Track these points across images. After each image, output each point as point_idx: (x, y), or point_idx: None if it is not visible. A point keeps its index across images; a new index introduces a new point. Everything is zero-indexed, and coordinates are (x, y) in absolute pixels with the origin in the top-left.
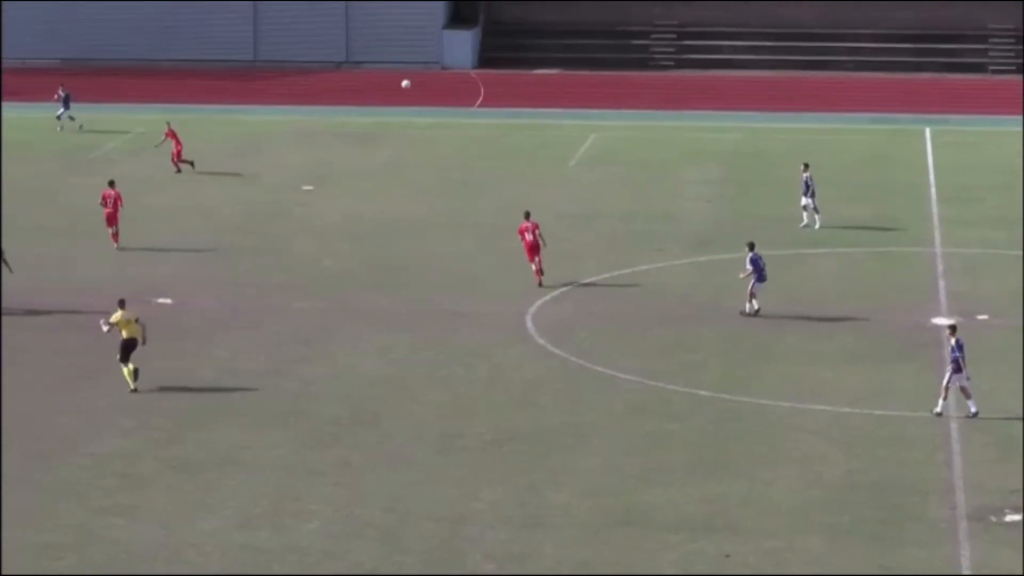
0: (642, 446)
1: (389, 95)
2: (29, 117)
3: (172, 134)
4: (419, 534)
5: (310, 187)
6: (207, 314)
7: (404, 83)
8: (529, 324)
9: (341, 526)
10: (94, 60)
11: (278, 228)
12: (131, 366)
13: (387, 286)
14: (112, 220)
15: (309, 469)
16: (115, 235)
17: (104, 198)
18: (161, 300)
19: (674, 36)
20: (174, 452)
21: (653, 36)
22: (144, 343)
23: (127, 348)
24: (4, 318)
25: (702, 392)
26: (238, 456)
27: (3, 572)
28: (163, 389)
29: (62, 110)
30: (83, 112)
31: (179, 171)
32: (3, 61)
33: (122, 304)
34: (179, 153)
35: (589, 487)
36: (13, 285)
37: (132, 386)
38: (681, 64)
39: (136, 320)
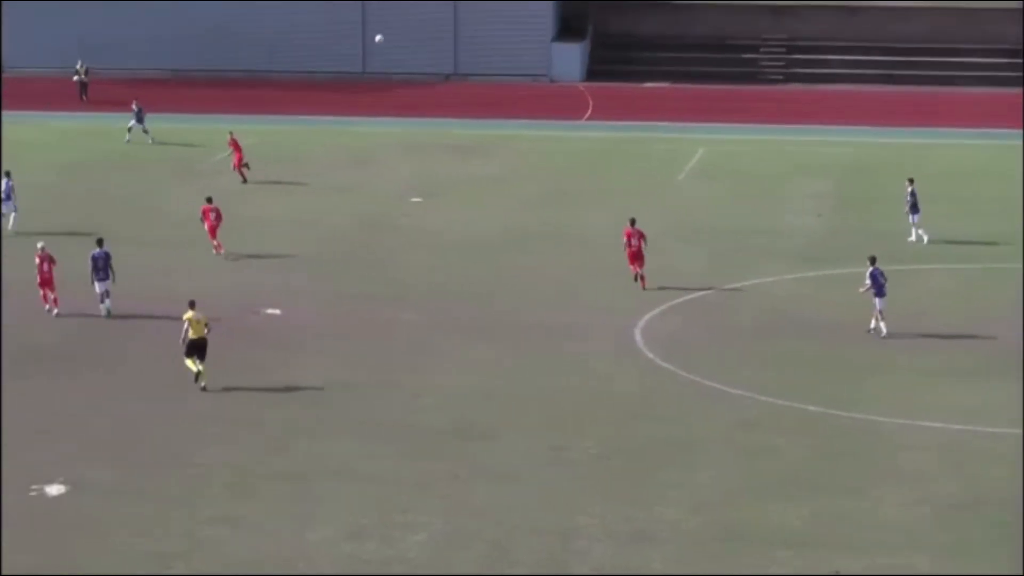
0: (751, 461)
1: (497, 108)
2: (137, 128)
3: (235, 143)
4: (526, 547)
5: (418, 199)
6: (315, 325)
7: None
8: (638, 337)
9: (449, 538)
10: (203, 72)
11: (386, 240)
12: (199, 366)
13: (494, 298)
14: (213, 233)
15: (416, 481)
16: (218, 245)
17: (204, 213)
18: (270, 311)
19: (783, 50)
20: (282, 462)
21: (762, 50)
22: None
23: (193, 346)
24: (108, 328)
25: (811, 407)
26: (345, 467)
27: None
28: (271, 400)
29: (133, 123)
30: (191, 124)
31: (245, 181)
32: (88, 72)
33: (192, 305)
34: (239, 161)
35: (697, 502)
36: (119, 294)
37: (202, 384)
38: (790, 78)
39: (205, 322)
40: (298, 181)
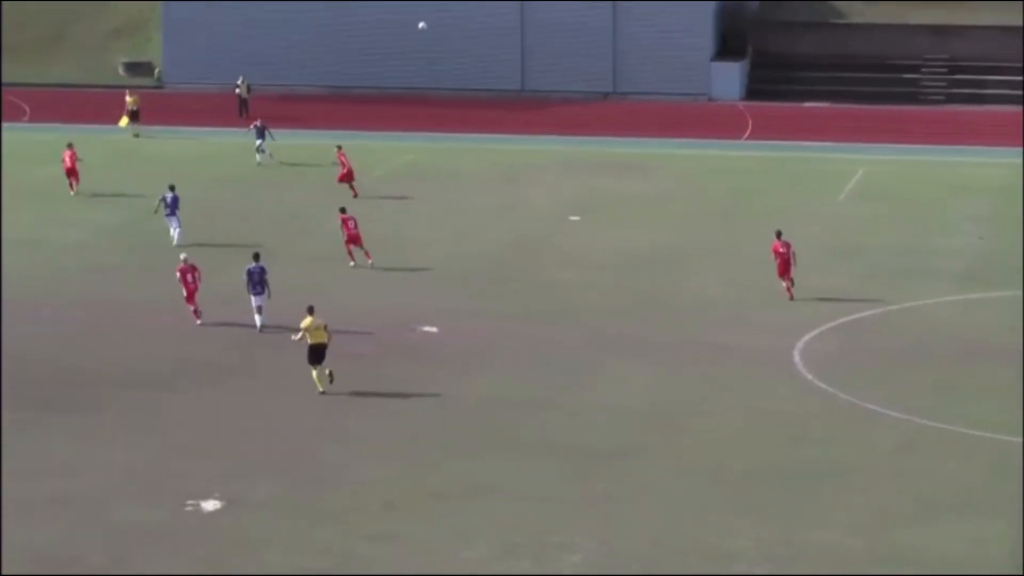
0: (911, 485)
1: (655, 126)
2: (298, 145)
3: (342, 157)
4: (684, 569)
5: (576, 217)
6: (472, 343)
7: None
8: (796, 358)
9: (605, 559)
10: (362, 88)
11: (544, 258)
12: (327, 370)
13: (651, 318)
14: (356, 241)
15: (572, 501)
16: (367, 252)
17: (344, 223)
18: (426, 328)
19: (945, 70)
20: (437, 481)
21: (923, 70)
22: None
23: (315, 352)
24: (263, 342)
25: (973, 432)
26: (501, 486)
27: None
28: (427, 418)
29: (259, 141)
30: (348, 140)
31: (355, 195)
32: (249, 88)
33: (311, 310)
34: (345, 175)
35: (857, 525)
36: (276, 311)
37: (320, 388)
38: (951, 99)
39: (325, 327)
40: (456, 199)
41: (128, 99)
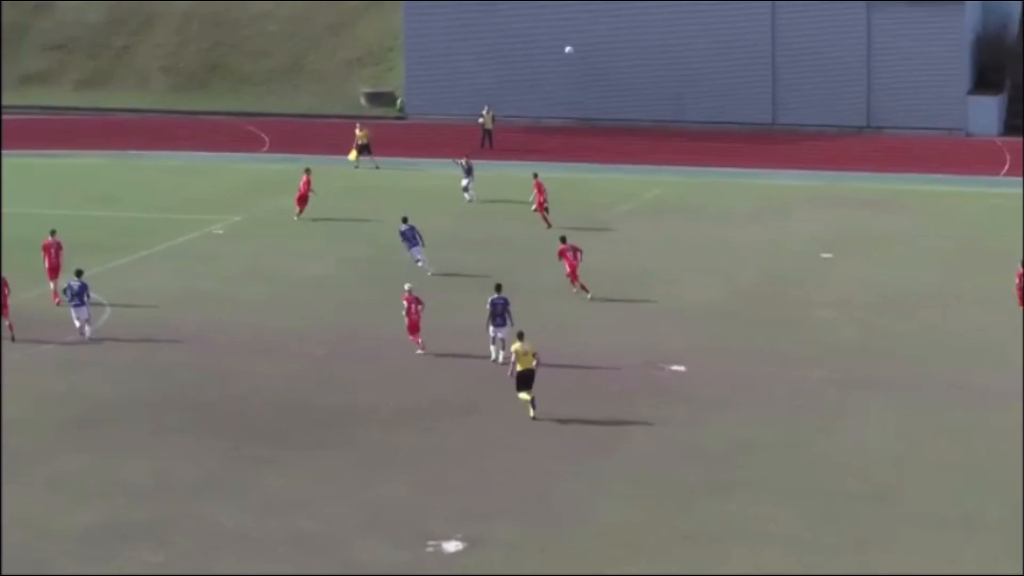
0: None
1: (910, 161)
2: (544, 178)
3: (539, 186)
4: None
5: (828, 254)
6: (720, 382)
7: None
8: None
9: None
10: (607, 120)
11: (795, 295)
12: (529, 396)
13: (905, 358)
14: (574, 273)
15: (824, 546)
16: (583, 286)
17: (561, 254)
18: (674, 367)
19: None
20: (685, 523)
21: None
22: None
23: (522, 378)
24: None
25: None
26: (749, 528)
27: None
28: (674, 458)
29: (465, 180)
30: (596, 174)
31: (549, 225)
32: (494, 119)
33: (520, 336)
34: (541, 204)
35: None
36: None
37: (532, 414)
38: None
39: (533, 353)
40: (703, 235)
41: (358, 132)
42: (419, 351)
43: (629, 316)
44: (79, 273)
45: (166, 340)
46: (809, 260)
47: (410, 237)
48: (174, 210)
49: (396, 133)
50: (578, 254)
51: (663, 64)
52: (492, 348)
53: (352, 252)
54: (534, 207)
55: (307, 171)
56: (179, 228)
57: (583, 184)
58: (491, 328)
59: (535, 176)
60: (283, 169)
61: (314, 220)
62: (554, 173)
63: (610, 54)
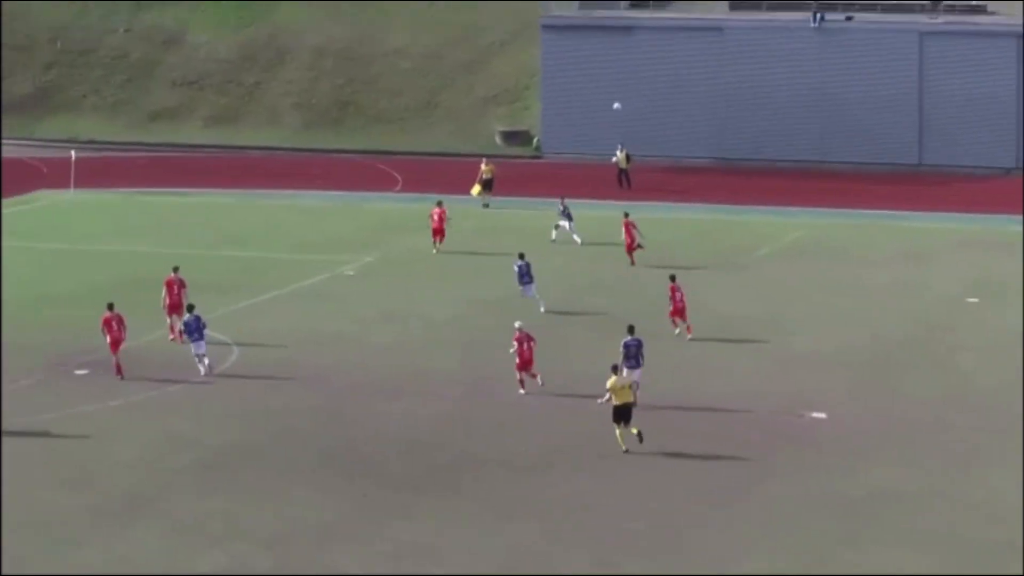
0: None
1: None
2: (682, 219)
3: (627, 226)
4: None
5: (975, 299)
6: (862, 429)
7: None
8: None
9: None
10: (748, 161)
11: (939, 340)
12: (633, 429)
13: None
14: (680, 313)
15: None
16: (688, 326)
17: (673, 292)
18: (814, 414)
19: None
20: (821, 574)
21: None
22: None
23: (620, 412)
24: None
25: None
26: None
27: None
28: (813, 507)
29: (563, 221)
30: (735, 215)
31: (633, 263)
32: (629, 158)
33: (615, 369)
34: (631, 245)
35: None
36: (647, 385)
37: (623, 447)
38: None
39: (631, 387)
40: (846, 278)
41: (483, 167)
42: (521, 391)
43: (768, 361)
44: (191, 308)
45: (293, 382)
46: (954, 305)
47: (524, 274)
48: (304, 250)
49: (531, 172)
50: (684, 296)
51: (807, 103)
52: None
53: (483, 293)
54: (625, 247)
55: (439, 204)
56: (309, 269)
57: (721, 226)
58: (625, 370)
59: (625, 216)
60: (416, 209)
61: (446, 260)
62: (692, 214)
63: (753, 92)
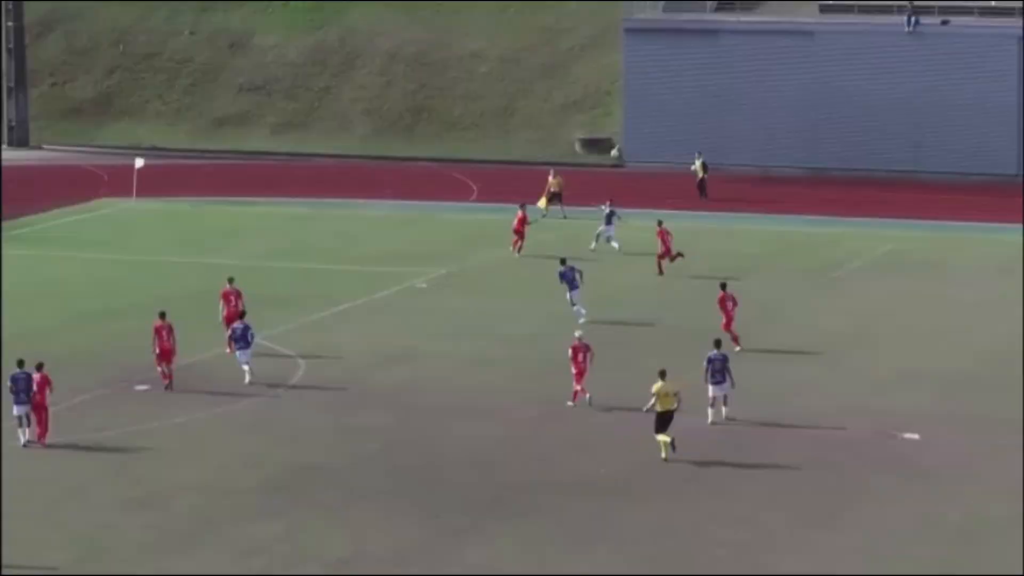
0: None
1: None
2: (769, 231)
3: (662, 235)
4: None
5: None
6: (957, 452)
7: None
8: None
9: None
10: (841, 170)
11: None
12: (667, 438)
13: None
14: (729, 326)
15: None
16: (735, 338)
17: (720, 301)
18: (907, 435)
19: None
20: None
21: None
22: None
23: (661, 420)
24: (722, 445)
25: None
26: None
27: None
28: (906, 532)
29: (602, 227)
30: (827, 227)
31: (661, 273)
32: (706, 167)
33: (662, 375)
34: (663, 254)
35: None
36: (747, 407)
37: (664, 455)
38: None
39: (675, 393)
40: (941, 293)
41: (551, 179)
42: (569, 403)
43: (857, 378)
44: (242, 315)
45: (362, 399)
46: None
47: (570, 279)
48: (375, 262)
49: (612, 182)
50: (736, 305)
51: (900, 110)
52: (710, 410)
53: (563, 308)
54: (672, 256)
55: (522, 207)
56: (380, 281)
57: (810, 238)
58: (710, 387)
59: (659, 224)
60: (492, 219)
61: (524, 273)
62: (780, 226)
63: (844, 99)
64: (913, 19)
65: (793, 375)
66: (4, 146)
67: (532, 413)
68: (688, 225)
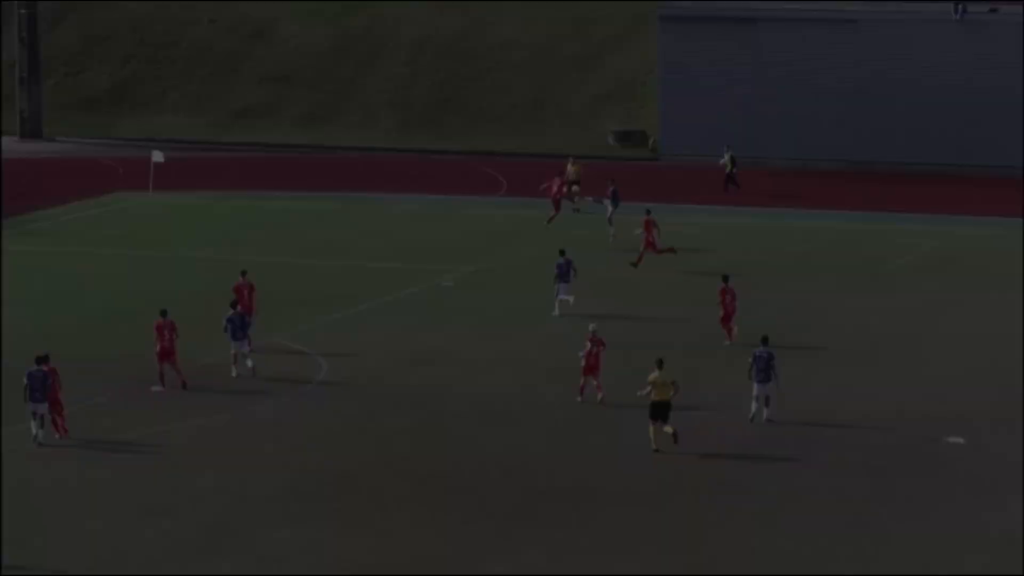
0: None
1: None
2: (810, 226)
3: (647, 225)
4: None
5: None
6: (1003, 458)
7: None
8: None
9: None
10: (884, 164)
11: None
12: (668, 428)
13: None
14: (727, 320)
15: None
16: (729, 332)
17: (721, 294)
18: (951, 439)
19: None
20: None
21: None
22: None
23: (657, 408)
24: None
25: None
26: None
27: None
28: (949, 543)
29: (610, 210)
30: (869, 223)
31: (636, 264)
32: (734, 162)
33: (660, 364)
34: (648, 245)
35: None
36: (790, 407)
37: (654, 446)
38: None
39: (672, 383)
40: (992, 291)
41: (569, 167)
42: (578, 399)
43: (901, 379)
44: (234, 304)
45: (386, 401)
46: None
47: (563, 272)
48: (400, 259)
49: (647, 175)
50: (735, 299)
51: (948, 101)
52: (754, 404)
53: (595, 307)
54: (659, 249)
55: (561, 173)
56: (405, 279)
57: (853, 235)
58: (755, 385)
59: (647, 213)
60: (521, 215)
61: (551, 271)
62: (822, 222)
63: (889, 89)
64: (960, 6)
65: (837, 374)
66: (17, 138)
67: (561, 416)
68: (723, 222)
